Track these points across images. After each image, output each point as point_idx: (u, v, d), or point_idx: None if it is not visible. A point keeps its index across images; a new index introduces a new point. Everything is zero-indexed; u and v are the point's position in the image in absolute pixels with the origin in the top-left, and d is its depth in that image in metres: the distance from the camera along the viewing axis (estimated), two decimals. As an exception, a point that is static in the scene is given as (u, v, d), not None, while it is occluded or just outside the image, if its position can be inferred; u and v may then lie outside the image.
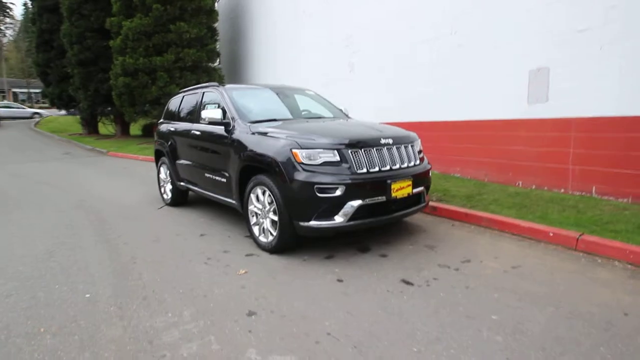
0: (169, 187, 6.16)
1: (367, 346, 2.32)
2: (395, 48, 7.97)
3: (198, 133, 5.04)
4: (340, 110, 5.53)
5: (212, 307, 2.86)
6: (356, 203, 3.54)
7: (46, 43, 20.60)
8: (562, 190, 5.33)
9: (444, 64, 6.95)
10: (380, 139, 3.84)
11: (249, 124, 4.29)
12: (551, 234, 3.90)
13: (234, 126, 4.38)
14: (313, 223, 3.55)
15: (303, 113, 5.13)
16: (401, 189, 3.78)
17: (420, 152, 4.30)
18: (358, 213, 3.57)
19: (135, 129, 20.82)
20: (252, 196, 4.05)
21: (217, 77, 15.68)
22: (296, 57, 11.90)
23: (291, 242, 3.80)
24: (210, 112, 4.53)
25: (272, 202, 3.79)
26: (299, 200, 3.56)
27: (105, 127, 21.20)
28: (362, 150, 3.68)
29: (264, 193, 3.90)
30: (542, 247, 3.86)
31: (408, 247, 3.99)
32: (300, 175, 3.52)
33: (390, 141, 3.89)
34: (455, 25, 6.70)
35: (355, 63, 9.40)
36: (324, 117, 5.07)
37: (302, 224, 3.59)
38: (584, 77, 5.00)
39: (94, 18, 17.55)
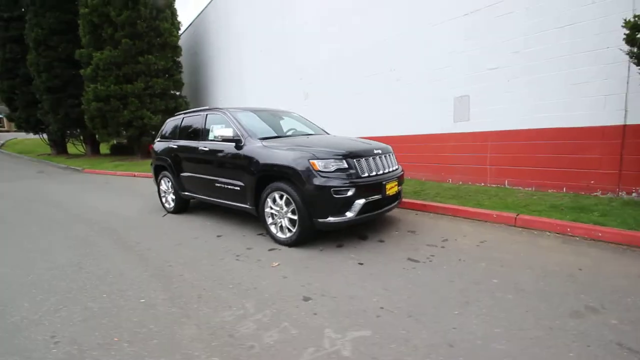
0: (170, 197, 5.55)
1: (418, 314, 2.26)
2: (345, 80, 8.08)
3: (206, 149, 4.60)
4: (321, 128, 5.43)
5: (267, 297, 2.59)
6: (362, 201, 3.48)
7: (10, 71, 17.49)
8: (482, 184, 5.79)
9: (387, 93, 7.19)
10: (373, 150, 3.84)
11: (260, 140, 4.04)
12: (495, 215, 4.19)
13: (244, 142, 4.09)
14: (330, 219, 3.42)
15: (291, 131, 4.95)
16: (391, 188, 3.81)
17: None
18: (363, 209, 3.52)
19: (104, 148, 18.56)
20: (269, 200, 3.79)
21: (183, 104, 14.63)
22: (254, 87, 11.54)
23: (309, 236, 3.62)
24: (223, 131, 4.18)
25: (290, 204, 3.60)
26: (318, 201, 3.41)
27: (75, 147, 18.60)
28: (363, 159, 3.65)
29: (281, 197, 3.68)
30: (490, 225, 4.12)
31: (395, 232, 4.01)
32: (319, 181, 3.38)
33: (380, 151, 3.92)
34: (395, 65, 6.97)
35: (310, 92, 9.37)
36: (313, 134, 4.93)
37: (320, 220, 3.44)
38: (495, 102, 5.49)
39: (61, 49, 15.37)
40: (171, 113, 14.66)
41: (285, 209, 3.68)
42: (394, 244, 3.64)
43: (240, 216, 5.04)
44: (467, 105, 5.87)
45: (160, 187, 5.74)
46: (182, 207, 5.48)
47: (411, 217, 4.71)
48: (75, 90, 15.32)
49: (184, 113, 5.42)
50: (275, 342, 2.03)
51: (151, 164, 6.13)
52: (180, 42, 14.69)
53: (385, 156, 3.96)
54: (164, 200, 5.76)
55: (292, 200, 3.55)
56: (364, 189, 3.51)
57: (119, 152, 18.54)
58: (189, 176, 5.02)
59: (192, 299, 2.62)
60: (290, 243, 3.66)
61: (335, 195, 3.37)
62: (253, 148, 3.97)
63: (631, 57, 3.68)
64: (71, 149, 19.13)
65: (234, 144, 4.20)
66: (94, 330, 2.26)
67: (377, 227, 4.20)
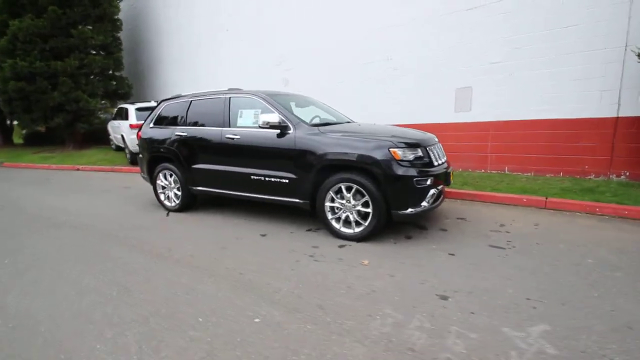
0: (173, 193, 4.72)
1: (566, 301, 2.21)
2: (336, 67, 7.78)
3: (236, 137, 3.96)
4: (346, 116, 5.10)
5: (399, 300, 2.30)
6: (435, 190, 3.35)
7: None
8: (483, 171, 6.13)
9: (381, 82, 7.12)
10: (434, 138, 3.73)
11: (312, 127, 3.61)
12: (525, 200, 4.44)
13: (295, 130, 3.62)
14: (410, 210, 3.22)
15: (316, 119, 4.54)
16: (451, 176, 3.75)
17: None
18: (434, 198, 3.40)
19: (16, 137, 15.16)
20: (331, 193, 3.43)
21: (125, 86, 12.67)
22: (215, 70, 10.45)
23: (379, 229, 3.37)
24: (268, 117, 3.63)
25: (361, 196, 3.30)
26: (399, 191, 3.17)
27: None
28: (432, 147, 3.50)
29: (348, 189, 3.35)
30: (523, 209, 4.34)
31: (447, 220, 3.97)
32: (401, 170, 3.14)
33: (437, 140, 3.82)
34: (392, 54, 6.91)
35: (290, 79, 8.84)
36: (353, 122, 4.61)
37: (400, 212, 3.21)
38: (498, 94, 5.80)
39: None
40: (112, 96, 12.64)
41: (353, 201, 3.36)
42: (459, 232, 3.60)
43: (259, 210, 4.51)
44: (469, 96, 6.10)
45: (158, 182, 4.83)
46: (189, 204, 4.72)
47: (446, 204, 4.68)
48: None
49: (192, 96, 4.60)
50: (468, 351, 1.80)
51: (139, 155, 5.13)
52: (120, 14, 12.57)
53: (440, 145, 3.87)
54: (162, 197, 4.87)
55: (364, 192, 3.25)
56: (437, 177, 3.38)
57: (35, 141, 15.44)
58: (205, 169, 4.30)
59: (315, 311, 2.22)
60: (359, 238, 3.37)
61: (417, 185, 3.18)
62: (309, 136, 3.53)
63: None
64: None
65: (277, 131, 3.69)
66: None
67: (425, 217, 4.11)
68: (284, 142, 3.65)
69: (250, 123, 4.01)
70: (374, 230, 3.31)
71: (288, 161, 3.63)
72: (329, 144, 3.41)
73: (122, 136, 9.41)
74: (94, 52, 11.78)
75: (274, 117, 3.62)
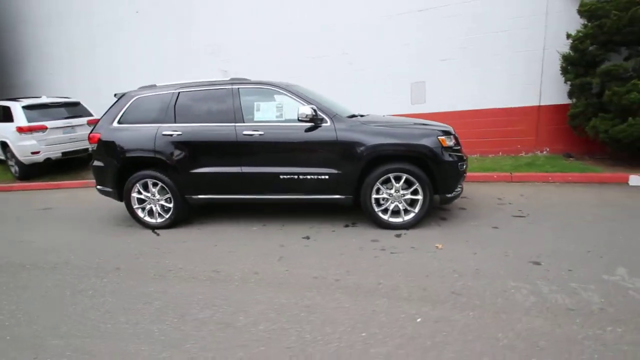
0: (158, 206, 3.87)
1: (604, 247, 2.80)
2: (285, 59, 7.52)
3: (257, 133, 3.50)
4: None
5: (506, 273, 2.50)
6: (463, 173, 3.69)
7: None
8: (438, 155, 6.93)
9: (336, 75, 7.25)
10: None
11: (354, 119, 3.52)
12: (495, 176, 5.25)
13: (333, 122, 3.43)
14: (454, 193, 3.49)
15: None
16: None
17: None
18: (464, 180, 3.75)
19: None
20: (378, 185, 3.41)
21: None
22: (114, 58, 8.81)
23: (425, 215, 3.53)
24: (305, 109, 3.32)
25: (409, 184, 3.39)
26: (447, 176, 3.40)
27: None
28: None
29: (398, 179, 3.39)
30: (498, 184, 5.12)
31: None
32: (449, 157, 3.38)
33: (451, 128, 4.19)
34: (347, 50, 7.10)
35: (230, 70, 8.12)
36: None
37: (447, 195, 3.45)
38: (447, 88, 6.62)
39: None
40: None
41: (402, 191, 3.42)
42: (475, 208, 4.03)
43: (262, 213, 4.13)
44: (423, 89, 6.79)
45: (134, 194, 3.87)
46: (183, 216, 3.96)
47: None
48: None
49: (178, 86, 3.82)
50: (605, 299, 2.12)
51: (95, 163, 4.01)
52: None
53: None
54: (140, 212, 3.94)
55: (414, 180, 3.36)
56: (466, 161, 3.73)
57: None
58: (212, 172, 3.68)
59: (455, 298, 2.24)
60: (408, 225, 3.47)
61: (459, 169, 3.46)
62: (353, 128, 3.42)
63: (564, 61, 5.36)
64: None
65: (309, 124, 3.44)
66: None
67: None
68: (321, 135, 3.42)
69: (272, 117, 3.61)
70: (423, 216, 3.45)
71: (329, 155, 3.44)
72: (378, 135, 3.38)
73: (4, 143, 7.05)
74: None
75: (308, 109, 3.35)
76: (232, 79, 3.79)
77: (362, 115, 4.01)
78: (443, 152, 3.34)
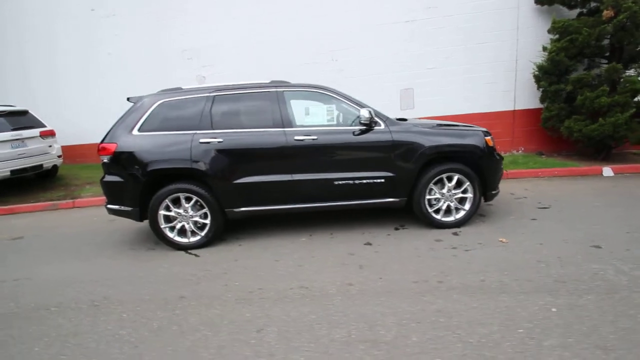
0: (191, 223, 3.44)
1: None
2: (269, 67, 7.31)
3: (310, 138, 3.33)
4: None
5: (582, 258, 2.74)
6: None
7: None
8: (428, 158, 7.32)
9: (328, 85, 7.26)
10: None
11: (402, 121, 3.57)
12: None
13: (386, 124, 3.44)
14: (497, 189, 3.71)
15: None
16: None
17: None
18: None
19: None
20: (430, 186, 3.50)
21: None
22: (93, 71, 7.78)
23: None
24: (365, 112, 3.29)
25: (461, 183, 3.53)
26: (494, 174, 3.63)
27: None
28: (485, 135, 4.10)
29: (450, 179, 3.51)
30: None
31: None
32: (495, 155, 3.60)
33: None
34: (337, 56, 7.18)
35: (208, 76, 7.64)
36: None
37: (493, 192, 3.67)
38: (434, 94, 7.06)
39: None
40: None
41: (453, 191, 3.55)
42: (501, 204, 4.33)
43: (310, 220, 3.97)
44: (412, 96, 7.15)
45: (161, 212, 3.39)
46: (219, 233, 3.59)
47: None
48: None
49: (212, 89, 3.47)
50: (681, 271, 2.44)
51: (109, 179, 3.43)
52: None
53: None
54: (169, 232, 3.47)
55: (465, 179, 3.51)
56: (499, 160, 4.01)
57: None
58: (259, 182, 3.41)
59: (558, 286, 2.37)
60: (459, 224, 3.61)
61: (501, 167, 3.70)
62: (407, 130, 3.47)
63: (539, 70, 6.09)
64: None
65: (362, 128, 3.41)
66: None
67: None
68: (376, 138, 3.41)
69: (323, 121, 3.49)
70: (472, 214, 3.61)
71: (385, 158, 3.43)
72: (435, 135, 3.48)
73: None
74: None
75: (367, 112, 3.32)
76: (272, 82, 3.57)
77: (400, 119, 4.09)
78: (490, 150, 3.56)
